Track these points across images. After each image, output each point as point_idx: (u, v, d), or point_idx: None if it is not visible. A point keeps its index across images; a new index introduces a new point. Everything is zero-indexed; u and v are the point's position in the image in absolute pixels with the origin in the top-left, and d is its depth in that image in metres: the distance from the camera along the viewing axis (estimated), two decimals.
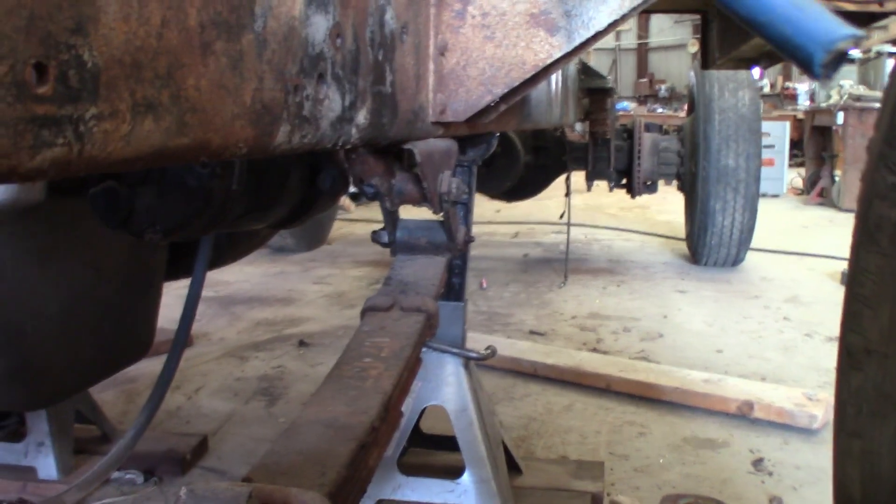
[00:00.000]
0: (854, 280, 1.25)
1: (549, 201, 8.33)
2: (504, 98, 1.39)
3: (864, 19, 1.76)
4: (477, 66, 1.36)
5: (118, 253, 1.65)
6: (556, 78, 3.16)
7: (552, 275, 5.90)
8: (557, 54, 1.34)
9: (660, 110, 21.82)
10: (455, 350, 2.17)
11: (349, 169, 1.41)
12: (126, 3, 0.58)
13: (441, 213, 1.57)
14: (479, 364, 2.93)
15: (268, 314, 4.80)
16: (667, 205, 9.59)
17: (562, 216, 6.03)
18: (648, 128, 6.49)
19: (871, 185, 1.21)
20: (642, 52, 28.08)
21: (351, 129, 1.04)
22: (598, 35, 1.41)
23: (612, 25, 1.53)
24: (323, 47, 0.94)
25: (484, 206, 8.89)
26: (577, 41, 1.37)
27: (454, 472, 2.20)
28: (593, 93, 5.70)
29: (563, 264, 5.91)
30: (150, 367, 3.03)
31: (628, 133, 6.37)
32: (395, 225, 1.65)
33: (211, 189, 1.24)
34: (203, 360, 3.84)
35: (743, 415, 3.05)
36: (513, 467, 2.40)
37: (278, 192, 1.48)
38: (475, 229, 7.22)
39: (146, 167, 0.65)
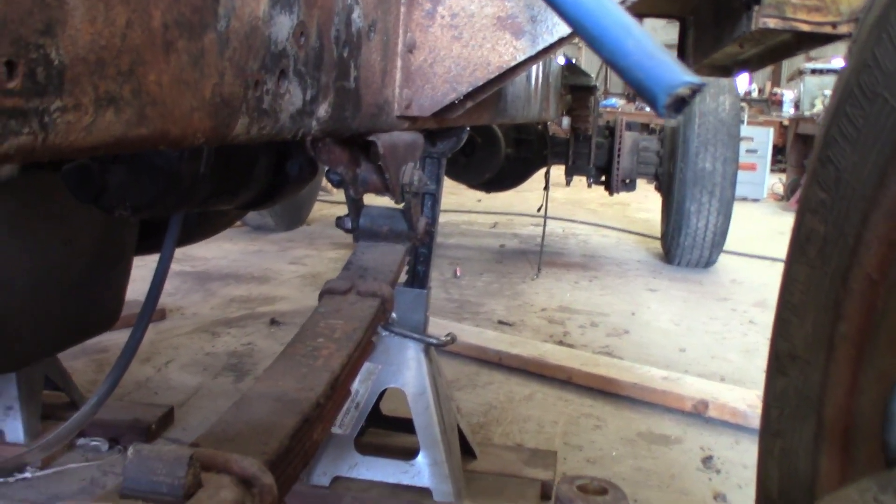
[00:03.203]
0: (785, 289, 1.32)
1: (529, 193, 8.41)
2: (469, 96, 1.45)
3: (819, 40, 1.83)
4: (443, 65, 1.42)
5: (90, 227, 1.70)
6: (535, 74, 3.22)
7: (526, 266, 5.97)
8: (521, 57, 1.40)
9: (647, 109, 21.87)
10: (416, 335, 2.24)
11: (315, 157, 1.47)
12: (93, 7, 0.63)
13: (403, 203, 1.64)
14: (443, 351, 3.01)
15: (242, 291, 4.85)
16: (647, 203, 9.68)
17: (539, 209, 6.10)
18: (630, 126, 6.56)
19: (804, 199, 1.29)
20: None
21: (311, 121, 1.10)
22: (561, 41, 1.47)
23: (575, 33, 1.59)
24: (286, 45, 0.99)
25: (465, 196, 8.95)
26: (541, 45, 1.43)
27: (410, 454, 2.27)
28: (576, 90, 5.77)
29: (538, 256, 5.98)
30: (121, 338, 3.06)
31: (610, 131, 6.44)
32: (358, 212, 1.71)
33: (179, 171, 1.30)
34: (175, 334, 3.89)
35: (698, 413, 3.14)
36: (468, 452, 2.47)
37: (246, 177, 1.54)
38: (454, 217, 7.28)
39: (107, 154, 0.71)
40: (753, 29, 1.97)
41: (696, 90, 0.61)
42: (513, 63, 1.42)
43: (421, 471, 2.24)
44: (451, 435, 2.29)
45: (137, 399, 3.06)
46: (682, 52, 3.24)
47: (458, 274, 5.56)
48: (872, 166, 1.12)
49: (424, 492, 2.24)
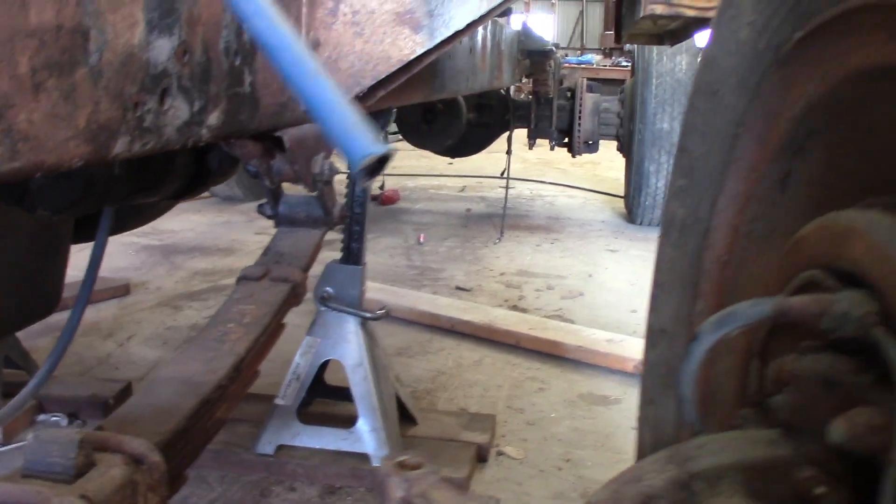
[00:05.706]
0: (656, 268, 1.44)
1: (500, 155, 8.44)
2: (374, 88, 1.55)
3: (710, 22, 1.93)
4: (347, 60, 1.51)
5: (25, 221, 1.80)
6: (480, 45, 3.30)
7: (490, 230, 6.08)
8: (420, 50, 1.50)
9: (624, 64, 21.87)
10: (351, 311, 2.35)
11: (229, 152, 1.58)
12: None
13: (316, 192, 1.74)
14: (398, 319, 3.12)
15: (207, 264, 4.95)
16: (618, 161, 9.66)
17: (502, 173, 6.21)
18: (591, 88, 6.66)
19: (670, 185, 1.40)
20: (609, 3, 28.07)
21: (201, 130, 1.19)
22: (457, 34, 1.58)
23: (471, 26, 1.70)
24: (167, 65, 1.08)
25: (436, 160, 9.01)
26: (439, 38, 1.53)
27: (350, 422, 2.39)
28: (534, 54, 5.85)
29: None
30: (87, 316, 3.18)
31: (571, 93, 6.54)
32: (277, 199, 1.81)
33: (92, 174, 1.40)
34: (137, 309, 4.00)
35: (640, 374, 3.26)
36: (409, 418, 2.60)
37: (165, 173, 1.64)
38: (423, 182, 7.30)
39: None
40: (644, 15, 2.08)
41: (384, 160, 0.72)
42: (412, 56, 1.51)
43: (360, 437, 2.37)
44: (388, 403, 2.41)
45: (99, 374, 3.17)
46: (619, 21, 3.35)
47: (422, 240, 5.67)
48: (717, 156, 1.24)
49: (364, 457, 2.37)
